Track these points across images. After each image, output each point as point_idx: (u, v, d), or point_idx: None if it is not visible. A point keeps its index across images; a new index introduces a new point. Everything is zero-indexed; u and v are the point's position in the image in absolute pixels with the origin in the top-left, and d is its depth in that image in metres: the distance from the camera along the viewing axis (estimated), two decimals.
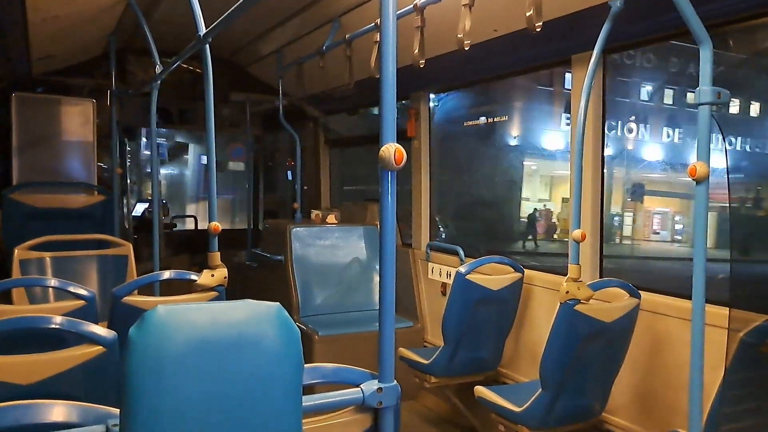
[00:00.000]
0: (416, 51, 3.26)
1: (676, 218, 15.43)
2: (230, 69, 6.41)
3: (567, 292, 2.88)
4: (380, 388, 1.61)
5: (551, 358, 2.94)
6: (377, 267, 5.25)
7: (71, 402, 1.40)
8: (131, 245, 4.40)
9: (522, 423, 3.10)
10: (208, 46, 2.88)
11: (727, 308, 2.39)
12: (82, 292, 2.67)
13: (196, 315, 1.22)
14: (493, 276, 3.82)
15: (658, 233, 15.62)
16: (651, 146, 15.39)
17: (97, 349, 1.97)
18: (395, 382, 1.65)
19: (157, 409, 1.15)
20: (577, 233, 2.91)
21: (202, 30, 2.86)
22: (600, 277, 3.47)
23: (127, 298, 2.70)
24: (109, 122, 5.48)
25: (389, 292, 1.65)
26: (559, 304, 2.91)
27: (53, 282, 2.95)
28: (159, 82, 3.92)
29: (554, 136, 14.86)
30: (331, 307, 5.03)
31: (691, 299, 2.08)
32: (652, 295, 3.13)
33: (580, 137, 2.91)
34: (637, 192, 15.21)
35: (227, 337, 1.22)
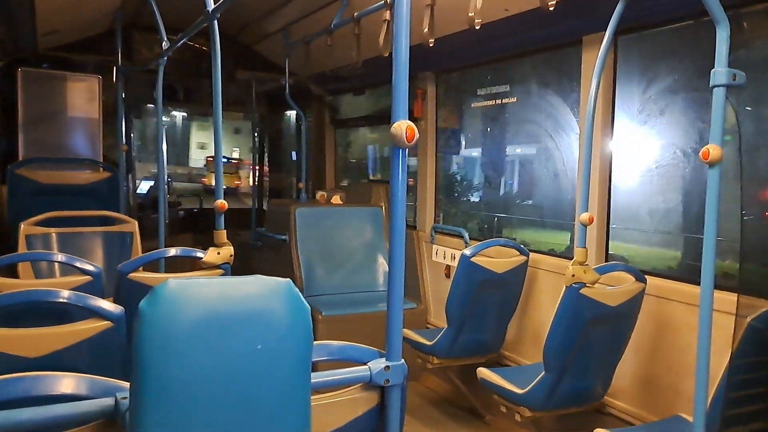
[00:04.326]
0: (426, 29, 3.23)
1: None
2: (236, 47, 6.37)
3: (573, 275, 2.87)
4: (388, 366, 1.61)
5: (555, 340, 2.95)
6: (382, 248, 5.28)
7: (80, 374, 1.40)
8: (136, 222, 4.40)
9: (524, 405, 3.11)
10: (215, 22, 2.85)
11: (735, 294, 2.38)
12: (89, 267, 2.67)
13: (206, 289, 1.21)
14: (498, 259, 3.81)
15: None
16: None
17: (104, 323, 1.97)
18: (402, 360, 1.65)
19: (167, 382, 1.15)
20: (584, 216, 2.89)
21: (210, 5, 2.83)
22: (606, 261, 3.47)
23: (133, 275, 2.70)
24: (114, 99, 5.46)
25: (398, 271, 1.64)
26: (564, 287, 2.90)
27: (60, 257, 2.96)
28: (165, 58, 3.89)
29: None
30: (335, 287, 5.04)
31: (696, 284, 2.07)
32: (657, 280, 3.12)
33: (590, 120, 2.88)
34: None
35: (237, 311, 1.22)
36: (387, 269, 1.64)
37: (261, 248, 5.98)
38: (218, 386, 1.19)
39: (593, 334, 2.96)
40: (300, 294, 1.29)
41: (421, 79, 4.98)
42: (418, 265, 5.11)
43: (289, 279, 1.30)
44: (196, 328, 1.17)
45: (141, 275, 2.73)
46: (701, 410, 2.03)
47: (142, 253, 3.97)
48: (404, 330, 3.95)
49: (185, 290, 1.18)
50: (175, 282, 1.18)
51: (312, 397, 1.37)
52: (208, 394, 1.18)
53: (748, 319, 2.12)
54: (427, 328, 4.82)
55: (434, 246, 4.94)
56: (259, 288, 1.26)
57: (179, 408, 1.16)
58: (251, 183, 7.70)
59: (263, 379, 1.23)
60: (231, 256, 2.94)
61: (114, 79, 5.53)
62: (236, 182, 21.14)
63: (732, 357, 2.15)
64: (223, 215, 2.96)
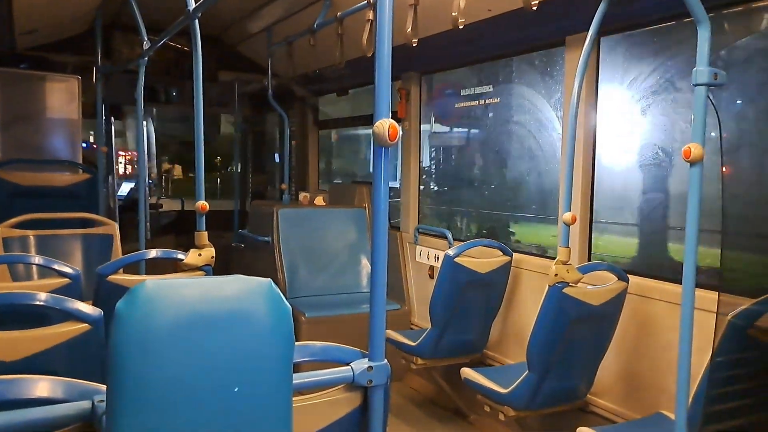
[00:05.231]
0: (409, 29, 3.22)
1: None
2: (219, 47, 6.32)
3: (556, 274, 2.88)
4: (370, 367, 1.60)
5: (538, 340, 2.96)
6: (365, 249, 5.26)
7: (57, 377, 1.37)
8: (116, 224, 4.34)
9: (507, 404, 3.12)
10: (197, 21, 2.82)
11: (716, 292, 2.40)
12: (67, 269, 2.62)
13: (185, 289, 1.19)
14: (482, 259, 3.81)
15: None
16: None
17: (82, 326, 1.94)
18: (386, 360, 1.63)
19: (144, 384, 1.12)
20: (567, 216, 2.90)
21: (191, 5, 2.80)
22: (588, 261, 3.48)
23: (113, 277, 2.66)
24: (94, 100, 5.39)
25: (381, 270, 1.63)
26: (547, 286, 2.91)
27: (37, 259, 2.90)
28: (146, 59, 3.85)
29: None
30: (319, 288, 5.02)
31: (678, 283, 2.09)
32: (639, 279, 3.14)
33: (572, 120, 2.89)
34: None
35: (217, 311, 1.20)
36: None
37: (244, 250, 5.93)
38: (197, 388, 1.17)
39: (576, 333, 2.97)
40: (281, 294, 1.27)
41: (405, 80, 4.98)
42: (402, 266, 5.10)
43: (269, 279, 1.28)
44: (175, 329, 1.15)
45: (120, 277, 2.69)
46: (683, 407, 2.04)
47: (122, 255, 3.91)
48: (388, 331, 3.97)
49: (163, 291, 1.16)
50: (153, 282, 1.16)
51: (294, 399, 1.35)
52: (187, 396, 1.16)
53: (729, 316, 2.14)
54: (411, 329, 4.81)
55: (418, 247, 4.94)
56: (240, 288, 1.24)
57: (157, 410, 1.14)
58: (122, 172, 7.52)
59: (243, 381, 1.21)
60: (212, 257, 2.91)
61: (94, 79, 5.46)
62: None
63: (713, 354, 2.17)
64: (204, 216, 2.93)
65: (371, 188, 1.64)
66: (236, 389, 1.20)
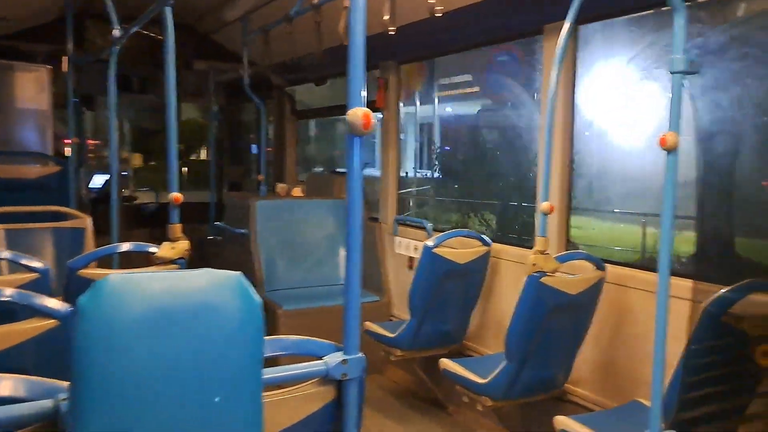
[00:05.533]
0: (386, 17, 3.19)
1: None
2: (194, 36, 6.22)
3: (534, 264, 2.88)
4: (345, 360, 1.57)
5: (517, 329, 2.96)
6: (344, 241, 5.21)
7: (18, 375, 1.32)
8: (88, 218, 4.25)
9: (486, 394, 3.12)
10: (170, 9, 2.75)
11: (691, 280, 2.42)
12: (36, 264, 2.55)
13: (152, 283, 1.15)
14: (461, 249, 3.81)
15: None
16: None
17: (50, 322, 1.88)
18: (361, 353, 1.61)
19: (108, 381, 1.09)
20: (545, 206, 2.90)
21: None
22: (566, 250, 3.49)
23: (83, 271, 2.60)
24: (65, 90, 5.26)
25: (355, 261, 1.60)
26: (525, 276, 2.91)
27: (5, 254, 2.82)
28: (118, 48, 3.76)
29: None
30: (297, 281, 4.98)
31: (655, 271, 2.10)
32: (616, 268, 3.16)
33: (550, 109, 2.88)
34: None
35: (185, 306, 1.16)
36: None
37: (220, 243, 5.86)
38: (163, 384, 1.13)
39: (554, 322, 2.98)
40: (251, 287, 1.24)
41: (383, 69, 4.94)
42: (381, 257, 5.08)
43: (239, 272, 1.24)
44: (140, 324, 1.11)
45: (91, 272, 2.62)
46: (658, 395, 2.05)
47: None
48: (367, 323, 3.95)
49: (128, 284, 1.12)
50: (117, 276, 1.12)
51: (266, 393, 1.32)
52: (153, 393, 1.12)
53: (704, 304, 2.15)
54: (390, 320, 4.80)
55: (397, 238, 4.92)
56: (208, 281, 1.20)
57: (122, 408, 1.10)
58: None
59: (212, 376, 1.18)
60: (186, 250, 2.85)
61: (65, 69, 5.34)
62: None
63: (688, 342, 2.18)
64: (177, 208, 2.88)
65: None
66: (205, 388, 1.17)
